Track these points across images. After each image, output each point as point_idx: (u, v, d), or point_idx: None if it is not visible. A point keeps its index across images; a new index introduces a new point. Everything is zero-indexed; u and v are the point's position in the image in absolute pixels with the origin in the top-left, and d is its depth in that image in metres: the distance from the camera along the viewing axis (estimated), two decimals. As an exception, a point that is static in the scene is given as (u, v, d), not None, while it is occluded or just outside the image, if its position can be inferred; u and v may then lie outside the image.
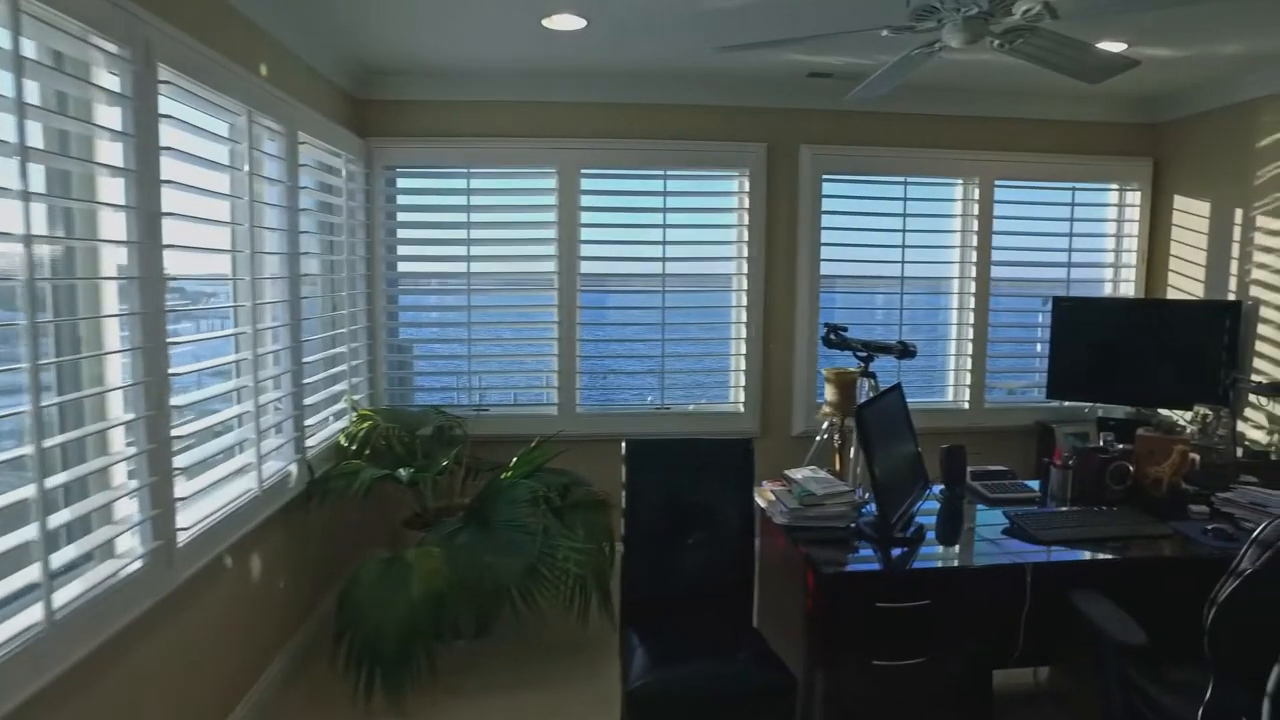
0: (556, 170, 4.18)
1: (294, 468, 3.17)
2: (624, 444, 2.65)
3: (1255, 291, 3.95)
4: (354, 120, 4.00)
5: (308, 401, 3.34)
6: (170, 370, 2.14)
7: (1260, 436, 3.91)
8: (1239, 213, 4.05)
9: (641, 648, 2.47)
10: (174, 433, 2.17)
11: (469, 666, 3.30)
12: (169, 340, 2.14)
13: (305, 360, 3.33)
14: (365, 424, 3.66)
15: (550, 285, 4.25)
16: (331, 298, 3.81)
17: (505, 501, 3.42)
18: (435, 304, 4.48)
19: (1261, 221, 3.93)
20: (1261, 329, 3.92)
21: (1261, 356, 3.92)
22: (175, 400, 2.19)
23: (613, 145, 4.19)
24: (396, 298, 4.33)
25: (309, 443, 3.36)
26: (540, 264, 4.26)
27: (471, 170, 4.20)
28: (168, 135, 2.11)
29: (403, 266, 4.33)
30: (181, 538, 2.20)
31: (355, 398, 3.93)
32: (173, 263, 2.19)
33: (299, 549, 3.32)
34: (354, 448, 3.60)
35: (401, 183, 4.28)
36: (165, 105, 2.09)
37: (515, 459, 3.64)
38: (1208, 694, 1.93)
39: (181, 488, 2.23)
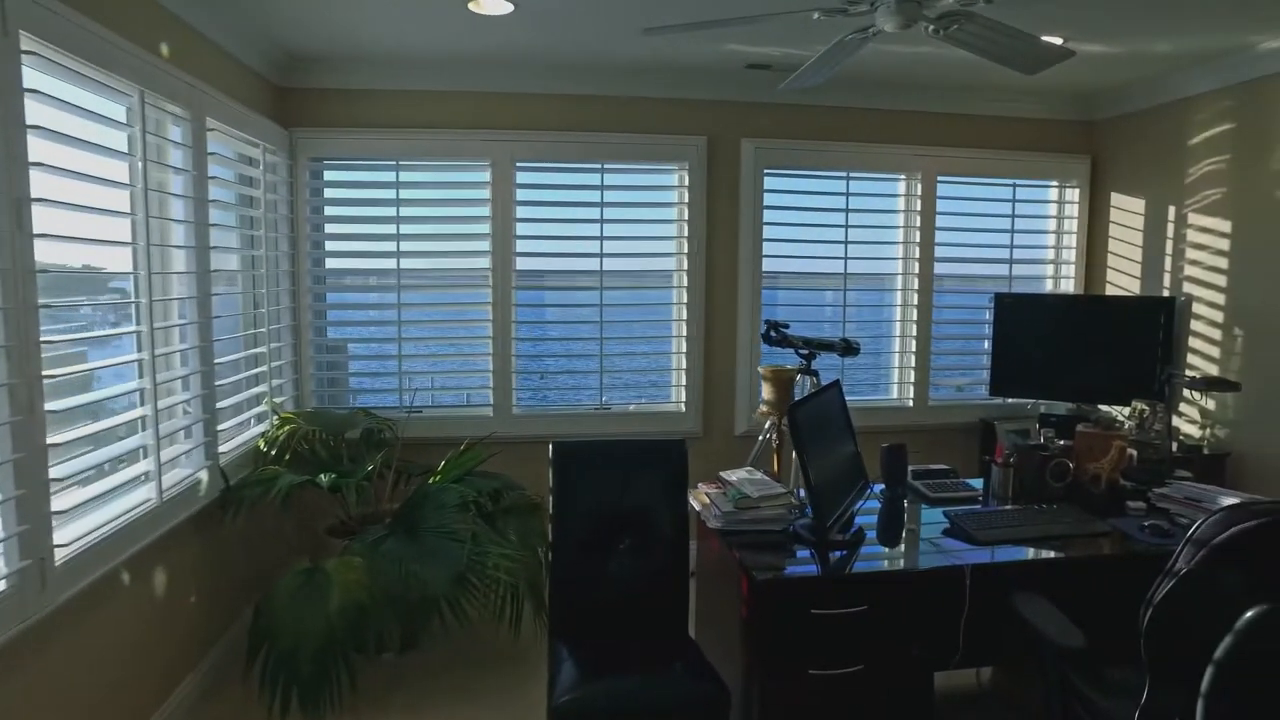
0: (490, 163, 4.03)
1: (205, 475, 2.98)
2: (550, 445, 2.53)
3: (1188, 288, 3.99)
4: (276, 109, 3.80)
5: (221, 404, 3.15)
6: (44, 372, 1.95)
7: (1193, 431, 3.94)
8: (1172, 210, 4.09)
9: (570, 660, 2.35)
10: (50, 440, 1.98)
11: (395, 681, 3.14)
12: (43, 339, 1.95)
13: (218, 361, 3.13)
14: (286, 427, 3.47)
15: (484, 283, 4.10)
16: (252, 295, 3.61)
17: (433, 507, 3.27)
18: (365, 301, 4.29)
19: (1193, 219, 3.97)
20: (1194, 325, 3.96)
21: (1194, 352, 3.96)
22: (52, 405, 2.00)
23: (549, 137, 4.06)
24: (324, 295, 4.13)
25: (223, 448, 3.17)
26: (474, 260, 4.10)
27: (401, 162, 4.02)
28: (37, 113, 1.92)
29: (331, 263, 4.13)
30: (59, 555, 2.01)
31: (277, 400, 3.74)
32: (61, 255, 2.00)
33: (214, 562, 3.12)
34: (273, 453, 3.41)
35: (329, 175, 4.09)
36: (32, 79, 1.90)
37: (443, 462, 3.49)
38: (1144, 696, 1.88)
39: (60, 501, 2.03)
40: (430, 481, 3.42)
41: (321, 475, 3.25)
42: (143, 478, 2.58)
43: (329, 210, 4.07)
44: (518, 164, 4.06)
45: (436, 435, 3.99)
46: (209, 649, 3.09)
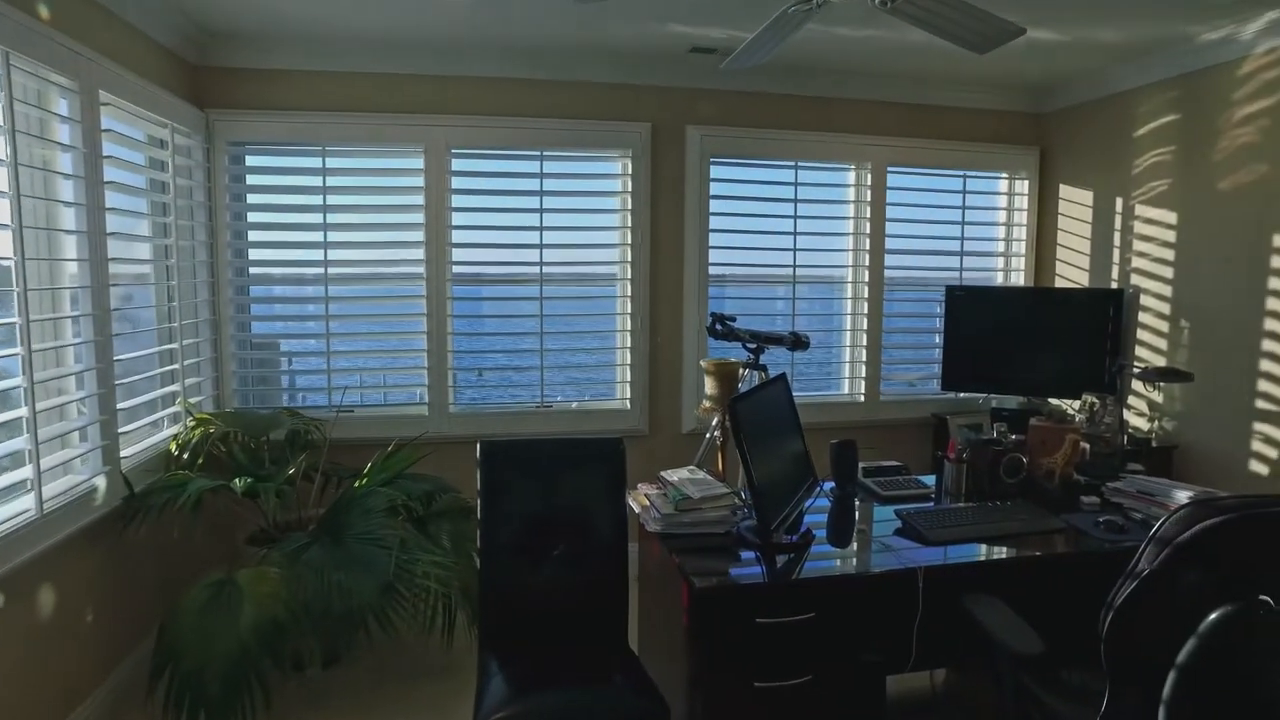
0: (424, 149, 3.82)
1: (102, 481, 2.73)
2: (478, 444, 2.35)
3: (1136, 279, 3.96)
4: (190, 88, 3.54)
5: (124, 404, 2.90)
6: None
7: (1141, 424, 3.91)
8: (1120, 201, 4.06)
9: (499, 675, 2.18)
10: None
11: (317, 700, 2.93)
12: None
13: (123, 357, 2.89)
14: (200, 429, 3.22)
15: (419, 275, 3.88)
16: (166, 287, 3.36)
17: (359, 512, 3.07)
18: (291, 295, 4.04)
19: (1140, 210, 3.94)
20: (1142, 317, 3.93)
21: (1142, 344, 3.93)
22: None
23: (486, 123, 3.86)
24: (247, 289, 3.87)
25: (127, 452, 2.93)
26: (408, 251, 3.88)
27: (329, 149, 3.78)
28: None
29: (254, 254, 3.88)
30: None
31: (194, 400, 3.48)
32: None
33: (115, 576, 2.87)
34: (185, 456, 3.16)
35: (251, 160, 3.83)
36: None
37: (369, 464, 3.28)
38: (1104, 702, 1.77)
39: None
40: (356, 485, 3.21)
41: (237, 480, 3.02)
42: (27, 485, 2.34)
43: (252, 199, 3.81)
44: (453, 151, 3.86)
45: (369, 436, 3.77)
46: (110, 671, 2.84)
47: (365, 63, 3.75)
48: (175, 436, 3.26)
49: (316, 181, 3.79)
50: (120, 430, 2.85)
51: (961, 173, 4.45)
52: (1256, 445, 3.38)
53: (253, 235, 3.85)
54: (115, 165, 2.84)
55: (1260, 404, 3.36)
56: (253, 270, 3.88)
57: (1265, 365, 3.34)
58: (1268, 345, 3.33)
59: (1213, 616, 1.53)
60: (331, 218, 3.80)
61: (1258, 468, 3.38)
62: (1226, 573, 1.53)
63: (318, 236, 3.80)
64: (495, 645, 2.33)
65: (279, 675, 2.73)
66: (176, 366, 3.36)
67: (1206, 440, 3.60)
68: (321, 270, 3.81)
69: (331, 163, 3.80)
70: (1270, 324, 3.32)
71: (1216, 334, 3.55)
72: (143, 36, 3.10)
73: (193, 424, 3.29)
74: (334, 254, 3.82)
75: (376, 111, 3.78)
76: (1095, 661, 1.82)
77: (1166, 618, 1.58)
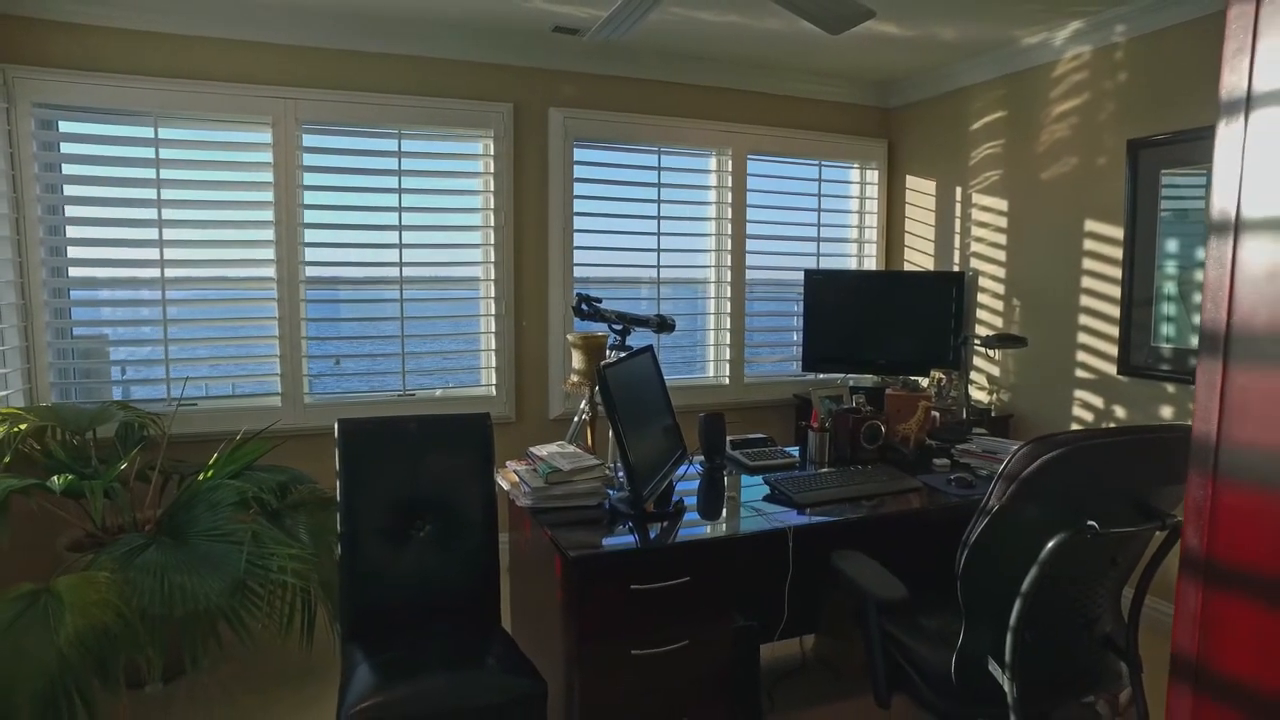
0: (271, 122, 3.57)
1: (-120, 486, 2.37)
2: (336, 423, 2.22)
3: (974, 263, 4.26)
4: (-20, 39, 3.15)
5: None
6: None
7: (982, 396, 4.22)
8: (959, 190, 4.36)
9: (365, 665, 2.06)
10: None
11: (159, 718, 2.67)
12: None
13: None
14: (5, 425, 2.87)
15: (269, 261, 3.63)
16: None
17: (205, 507, 2.83)
18: (122, 277, 3.66)
19: (977, 199, 4.25)
20: (981, 297, 4.23)
21: (981, 323, 4.24)
22: None
23: (339, 97, 3.66)
24: (65, 270, 3.48)
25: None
26: (258, 231, 3.62)
27: (161, 118, 3.46)
28: None
29: (75, 232, 3.49)
30: None
31: None
32: None
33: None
34: (-12, 456, 2.80)
35: (66, 127, 3.45)
36: None
37: (214, 455, 3.03)
38: (960, 640, 1.88)
39: None
40: (200, 478, 2.96)
41: (55, 478, 2.71)
42: None
43: (70, 169, 3.42)
44: (304, 125, 3.63)
45: (215, 430, 3.48)
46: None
47: (204, 25, 3.46)
48: (-25, 434, 2.89)
49: (148, 154, 3.46)
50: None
51: (817, 162, 4.64)
52: (1076, 410, 3.71)
53: (72, 211, 3.46)
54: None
55: (1079, 373, 3.69)
56: (73, 251, 3.49)
57: (1082, 338, 3.68)
58: (1084, 320, 3.67)
59: (1050, 544, 1.65)
60: (168, 194, 3.48)
61: (1077, 429, 3.71)
62: (1066, 501, 1.66)
63: (151, 214, 3.47)
64: (360, 635, 2.20)
65: (110, 694, 2.45)
66: (-23, 356, 2.98)
67: (1037, 408, 3.92)
68: (157, 253, 3.49)
69: (167, 134, 3.49)
70: (1085, 300, 3.66)
71: (1043, 311, 3.87)
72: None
73: (-1, 420, 2.93)
74: (171, 233, 3.50)
75: (217, 80, 3.50)
76: (952, 607, 1.93)
77: (1014, 549, 1.69)
